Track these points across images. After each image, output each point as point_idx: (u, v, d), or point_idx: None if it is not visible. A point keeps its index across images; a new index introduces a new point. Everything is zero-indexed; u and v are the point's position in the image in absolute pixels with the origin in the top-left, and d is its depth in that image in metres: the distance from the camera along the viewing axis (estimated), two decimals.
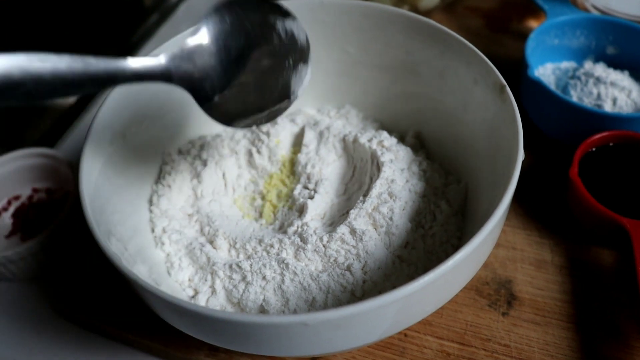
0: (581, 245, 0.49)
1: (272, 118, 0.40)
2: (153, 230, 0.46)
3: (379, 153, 0.46)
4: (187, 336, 0.36)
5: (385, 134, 0.48)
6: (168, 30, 0.79)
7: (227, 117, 0.37)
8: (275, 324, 0.30)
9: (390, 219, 0.42)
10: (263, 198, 0.49)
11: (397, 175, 0.44)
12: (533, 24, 0.70)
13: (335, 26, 0.51)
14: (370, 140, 0.47)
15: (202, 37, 0.34)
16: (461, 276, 0.35)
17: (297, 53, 0.39)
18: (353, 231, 0.41)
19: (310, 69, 0.40)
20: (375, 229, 0.42)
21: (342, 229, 0.41)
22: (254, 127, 0.50)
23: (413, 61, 0.50)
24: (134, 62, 0.32)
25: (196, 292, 0.42)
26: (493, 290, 0.47)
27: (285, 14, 0.38)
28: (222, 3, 0.35)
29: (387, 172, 0.44)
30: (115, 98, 0.44)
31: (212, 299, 0.41)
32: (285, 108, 0.40)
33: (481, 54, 0.44)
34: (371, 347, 0.43)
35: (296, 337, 0.31)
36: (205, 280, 0.42)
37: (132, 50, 0.76)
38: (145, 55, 0.35)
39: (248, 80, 0.36)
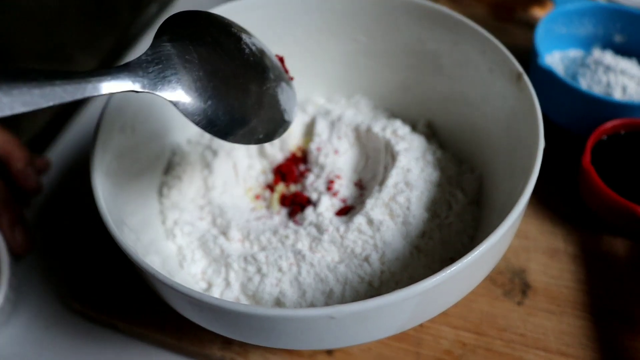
0: (594, 234, 0.49)
1: (270, 137, 0.37)
2: (164, 222, 0.45)
3: (393, 142, 0.45)
4: (199, 329, 0.36)
5: (398, 122, 0.48)
6: None
7: (215, 128, 0.33)
8: (300, 318, 0.30)
9: (407, 208, 0.41)
10: (274, 189, 0.48)
11: (413, 165, 0.44)
12: (538, 12, 0.70)
13: (345, 14, 0.50)
14: (383, 130, 0.47)
15: (164, 46, 0.32)
16: (485, 267, 0.35)
17: (274, 69, 0.37)
18: (370, 221, 0.40)
19: (294, 89, 0.39)
20: (392, 219, 0.41)
21: (359, 219, 0.41)
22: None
23: (425, 50, 0.49)
24: (106, 88, 0.30)
25: (210, 285, 0.42)
26: (507, 280, 0.46)
27: (240, 29, 0.37)
28: (174, 17, 0.34)
29: (402, 161, 0.43)
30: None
31: (226, 292, 0.41)
32: (282, 127, 0.38)
33: (496, 41, 0.43)
34: (387, 338, 0.43)
35: (321, 330, 0.31)
36: (219, 272, 0.41)
37: (130, 42, 0.74)
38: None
39: (224, 87, 0.34)
